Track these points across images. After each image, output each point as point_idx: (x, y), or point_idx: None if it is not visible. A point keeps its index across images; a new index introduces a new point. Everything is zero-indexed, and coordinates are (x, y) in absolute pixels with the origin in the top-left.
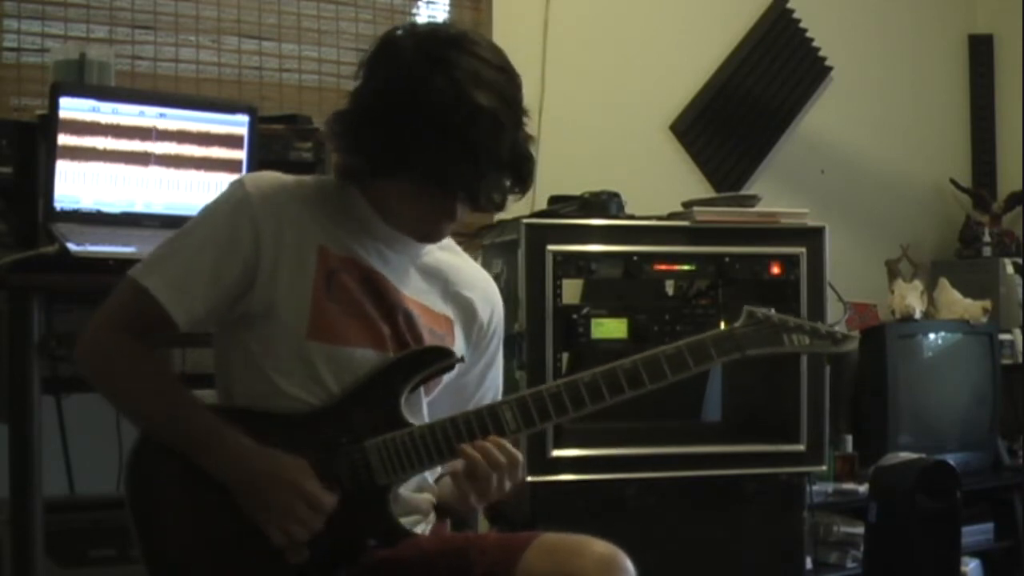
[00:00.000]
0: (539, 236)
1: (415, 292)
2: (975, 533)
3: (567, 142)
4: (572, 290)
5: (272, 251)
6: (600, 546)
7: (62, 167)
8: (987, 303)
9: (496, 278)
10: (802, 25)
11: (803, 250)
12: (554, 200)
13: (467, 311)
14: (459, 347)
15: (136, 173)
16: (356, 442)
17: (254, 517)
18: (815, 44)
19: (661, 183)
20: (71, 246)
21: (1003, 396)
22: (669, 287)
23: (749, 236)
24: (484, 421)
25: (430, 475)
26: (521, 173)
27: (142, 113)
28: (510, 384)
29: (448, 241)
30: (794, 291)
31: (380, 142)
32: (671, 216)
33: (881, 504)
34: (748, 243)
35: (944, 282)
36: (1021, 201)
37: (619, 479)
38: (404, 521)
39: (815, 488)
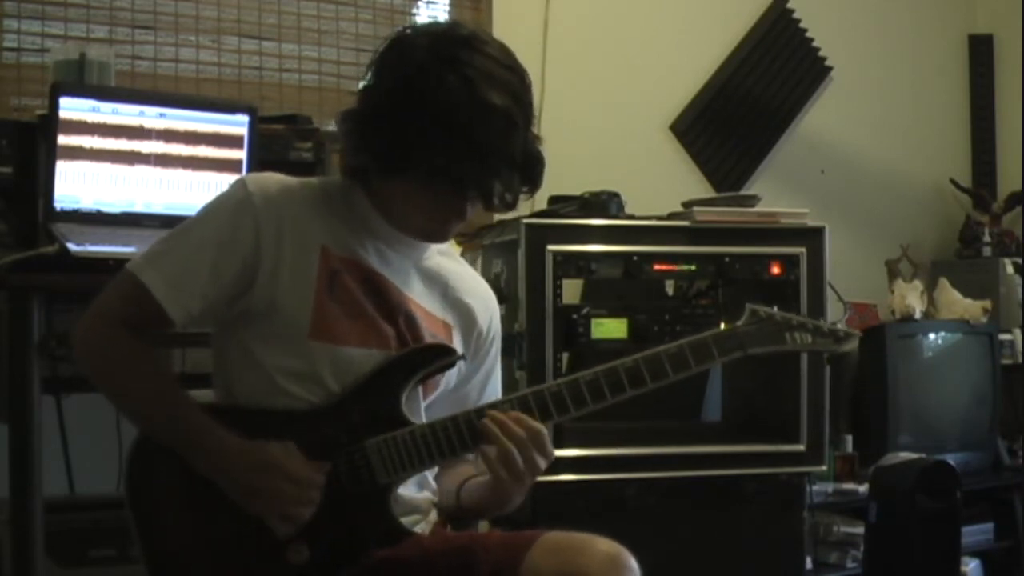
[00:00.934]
0: (539, 236)
1: (417, 295)
2: (975, 533)
3: (567, 142)
4: (572, 290)
5: (273, 251)
6: (605, 544)
7: (62, 167)
8: (987, 303)
9: (496, 278)
10: (802, 25)
11: (803, 250)
12: (554, 200)
13: (467, 318)
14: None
15: (136, 173)
16: (357, 441)
17: (248, 509)
18: (815, 44)
19: (661, 183)
20: (71, 246)
21: (1003, 396)
22: (669, 287)
23: (749, 236)
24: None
25: (430, 474)
26: (532, 172)
27: (142, 113)
28: (510, 384)
29: (448, 247)
30: (794, 291)
31: (391, 140)
32: (671, 216)
33: (881, 504)
34: (748, 243)
35: (944, 282)
36: (1021, 201)
37: (619, 479)
38: (404, 521)
39: (815, 488)
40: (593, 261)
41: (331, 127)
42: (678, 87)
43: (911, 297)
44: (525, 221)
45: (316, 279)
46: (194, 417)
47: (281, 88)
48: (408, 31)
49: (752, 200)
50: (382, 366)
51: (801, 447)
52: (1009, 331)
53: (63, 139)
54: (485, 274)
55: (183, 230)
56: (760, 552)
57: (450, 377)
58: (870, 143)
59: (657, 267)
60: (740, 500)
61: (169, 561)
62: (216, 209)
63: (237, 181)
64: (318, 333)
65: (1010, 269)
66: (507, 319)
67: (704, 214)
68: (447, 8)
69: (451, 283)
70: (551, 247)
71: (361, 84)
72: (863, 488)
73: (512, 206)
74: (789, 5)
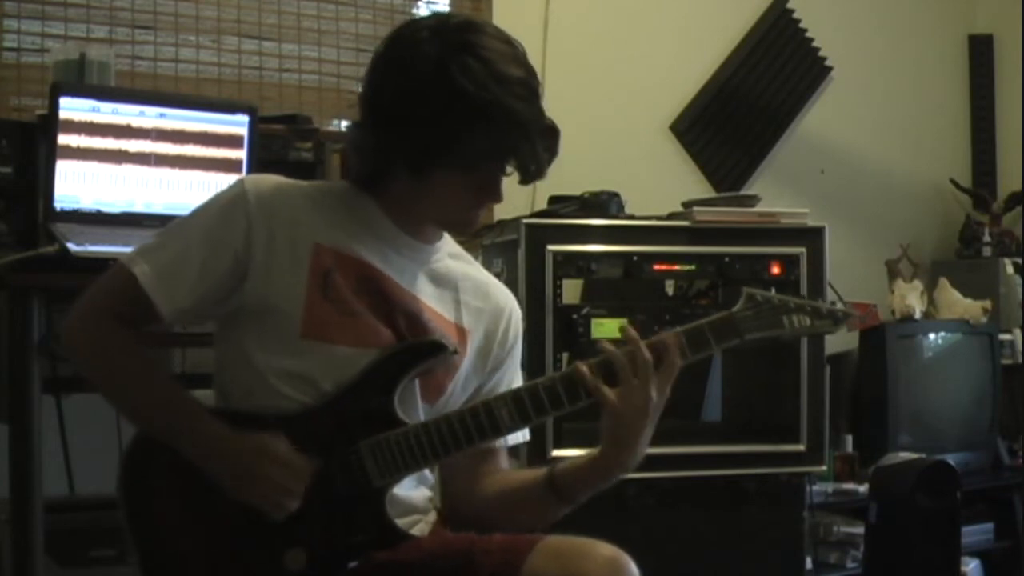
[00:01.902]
0: (539, 236)
1: (426, 296)
2: (975, 533)
3: (567, 142)
4: (572, 290)
5: (265, 247)
6: (605, 549)
7: (62, 167)
8: (987, 303)
9: (496, 278)
10: (802, 25)
11: (803, 250)
12: (554, 200)
13: (480, 322)
14: (471, 359)
15: (136, 173)
16: (350, 443)
17: (237, 495)
18: (815, 44)
19: (661, 183)
20: (71, 246)
21: (1003, 396)
22: (669, 287)
23: (749, 236)
24: (479, 417)
25: (428, 471)
26: (555, 140)
27: (142, 113)
28: None
29: (459, 250)
30: (794, 291)
31: (429, 134)
32: (671, 216)
33: (881, 504)
34: (748, 243)
35: (944, 282)
36: (1021, 201)
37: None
38: (402, 522)
39: (815, 488)
40: (593, 261)
41: (331, 127)
42: (678, 87)
43: (911, 297)
44: (525, 221)
45: (308, 277)
46: (182, 403)
47: (281, 88)
48: (403, 30)
49: (752, 200)
50: (372, 365)
51: (801, 447)
52: (1009, 331)
53: (63, 139)
54: None
55: (177, 225)
56: (760, 552)
57: (460, 382)
58: (870, 143)
59: (657, 267)
60: (740, 500)
61: (164, 563)
62: (211, 206)
63: (235, 181)
64: (310, 332)
65: (1010, 269)
66: None
67: (704, 214)
68: (447, 8)
69: (461, 286)
70: (551, 247)
71: (363, 90)
72: (863, 488)
73: (542, 174)
74: (789, 5)
